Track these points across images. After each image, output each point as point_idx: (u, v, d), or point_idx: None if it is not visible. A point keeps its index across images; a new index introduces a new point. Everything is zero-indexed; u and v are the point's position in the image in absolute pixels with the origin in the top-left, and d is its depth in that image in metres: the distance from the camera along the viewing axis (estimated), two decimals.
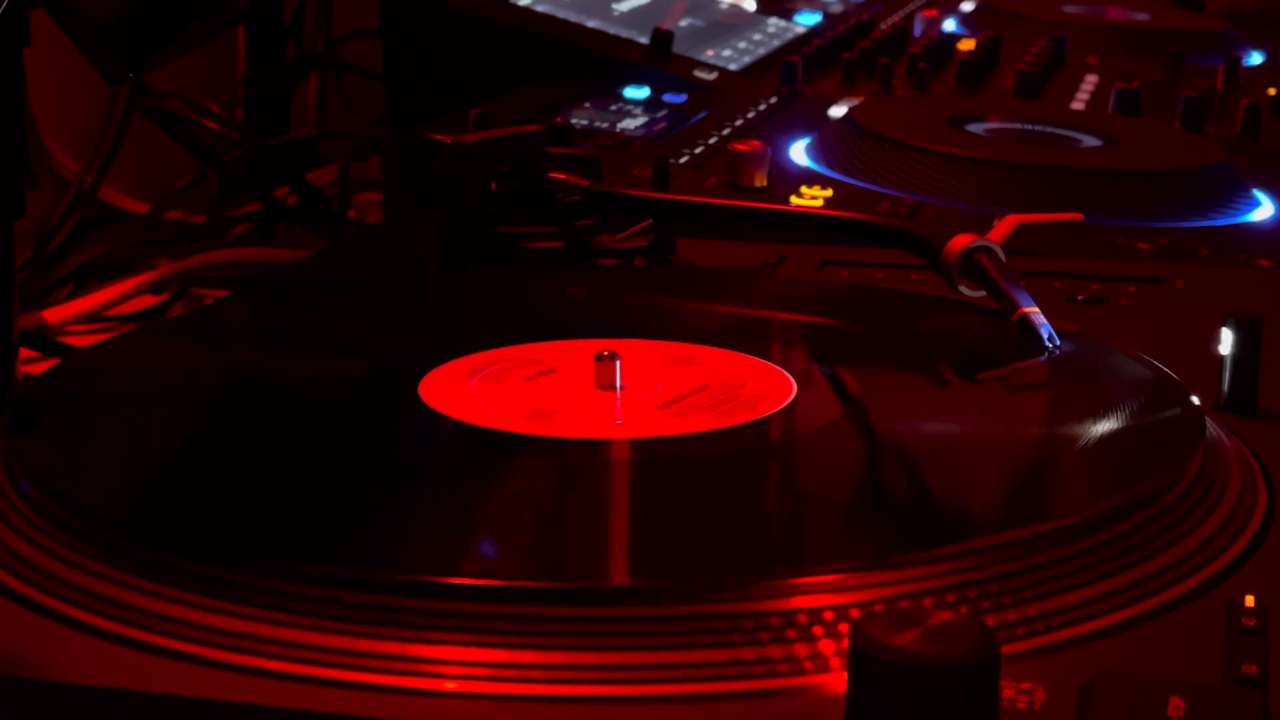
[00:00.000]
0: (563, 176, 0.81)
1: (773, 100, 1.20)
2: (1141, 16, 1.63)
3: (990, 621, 0.46)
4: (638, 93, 1.20)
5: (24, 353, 0.78)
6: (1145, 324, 0.75)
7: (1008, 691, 0.43)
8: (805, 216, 0.83)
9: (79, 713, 0.44)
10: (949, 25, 1.59)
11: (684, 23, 1.38)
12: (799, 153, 1.06)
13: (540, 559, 0.50)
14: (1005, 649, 0.43)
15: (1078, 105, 1.28)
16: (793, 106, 1.19)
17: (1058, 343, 0.66)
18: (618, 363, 0.61)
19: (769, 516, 0.54)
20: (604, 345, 0.63)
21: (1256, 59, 1.52)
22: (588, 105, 1.16)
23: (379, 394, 0.62)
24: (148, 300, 1.08)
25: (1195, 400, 0.60)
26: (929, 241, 0.72)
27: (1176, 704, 0.41)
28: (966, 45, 1.43)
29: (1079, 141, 1.09)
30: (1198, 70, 1.41)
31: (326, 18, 1.44)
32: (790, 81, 1.25)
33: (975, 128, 1.09)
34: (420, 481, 0.56)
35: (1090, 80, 1.37)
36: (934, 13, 1.61)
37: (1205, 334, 0.67)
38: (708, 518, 0.52)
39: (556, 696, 0.43)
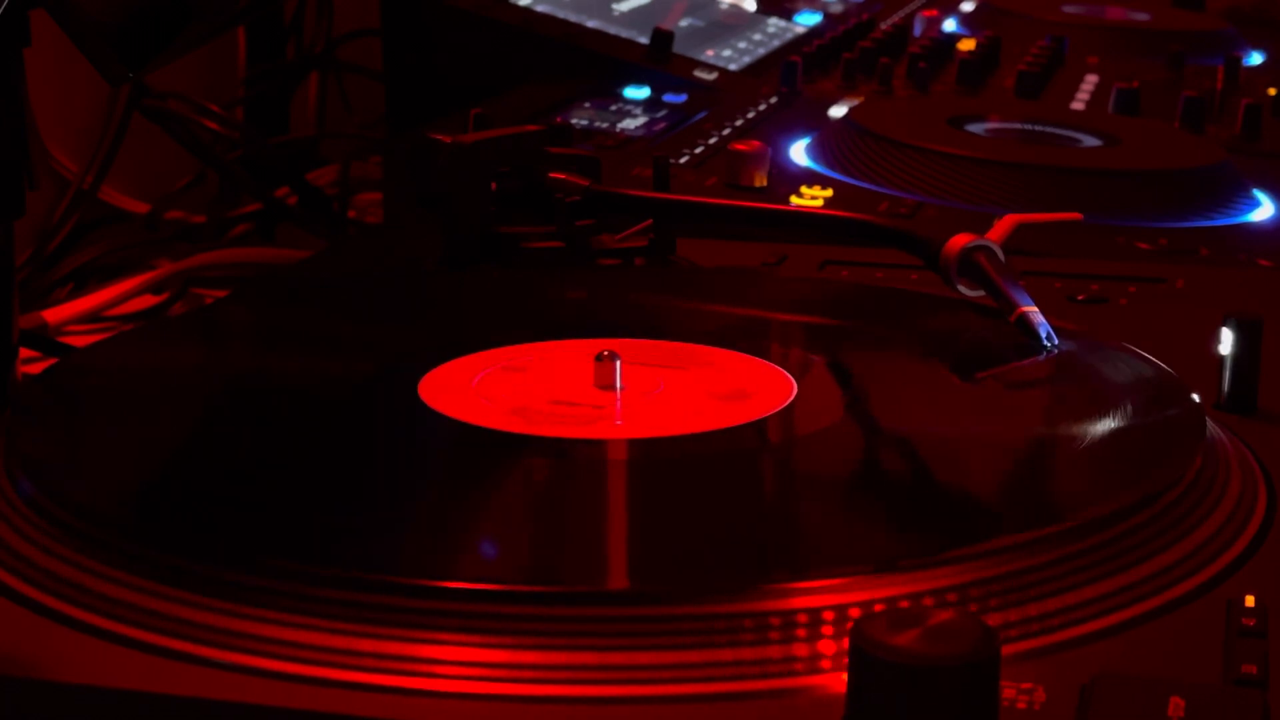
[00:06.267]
0: (563, 176, 0.81)
1: (773, 100, 1.20)
2: (1141, 16, 1.63)
3: (990, 621, 0.46)
4: (638, 93, 1.20)
5: (24, 353, 0.78)
6: (1145, 324, 0.74)
7: (1008, 691, 0.43)
8: (805, 216, 0.83)
9: (79, 713, 0.44)
10: (949, 25, 1.59)
11: (684, 23, 1.38)
12: (799, 153, 1.06)
13: (540, 560, 0.50)
14: (1005, 649, 0.43)
15: (1078, 105, 1.28)
16: (793, 106, 1.19)
17: (1056, 342, 0.66)
18: (618, 363, 0.61)
19: (769, 517, 0.54)
20: (604, 345, 0.63)
21: (1256, 59, 1.52)
22: (588, 105, 1.15)
23: (379, 394, 0.62)
24: (148, 300, 1.08)
25: (1195, 400, 0.60)
26: (928, 241, 0.72)
27: (1176, 704, 0.41)
28: (966, 45, 1.43)
29: (1079, 141, 1.09)
30: (1198, 70, 1.41)
31: (326, 18, 1.44)
32: (790, 81, 1.25)
33: (975, 128, 1.09)
34: (420, 482, 0.56)
35: (1090, 80, 1.37)
36: (934, 13, 1.61)
37: (1205, 334, 0.67)
38: (707, 518, 0.52)
39: (555, 697, 0.43)
